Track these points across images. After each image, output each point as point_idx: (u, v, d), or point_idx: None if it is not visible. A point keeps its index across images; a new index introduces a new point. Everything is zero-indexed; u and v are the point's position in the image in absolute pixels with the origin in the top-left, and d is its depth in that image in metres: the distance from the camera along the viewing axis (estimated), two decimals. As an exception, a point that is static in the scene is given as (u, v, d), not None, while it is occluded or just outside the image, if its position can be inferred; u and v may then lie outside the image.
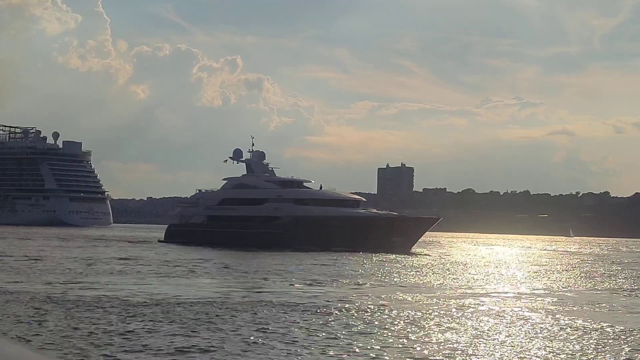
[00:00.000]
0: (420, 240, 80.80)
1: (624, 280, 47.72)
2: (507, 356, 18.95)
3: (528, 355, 19.11)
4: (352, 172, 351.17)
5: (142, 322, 22.34)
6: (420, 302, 29.79)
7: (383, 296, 31.80)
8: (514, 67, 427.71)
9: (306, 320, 23.72)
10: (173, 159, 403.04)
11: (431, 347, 19.59)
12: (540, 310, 28.31)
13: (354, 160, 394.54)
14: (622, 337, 22.13)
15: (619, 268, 62.89)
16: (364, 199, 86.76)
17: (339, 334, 21.12)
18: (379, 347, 19.29)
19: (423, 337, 21.18)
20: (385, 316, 25.20)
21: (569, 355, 19.13)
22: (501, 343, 20.72)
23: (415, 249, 78.67)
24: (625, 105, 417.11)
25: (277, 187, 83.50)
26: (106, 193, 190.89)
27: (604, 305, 31.41)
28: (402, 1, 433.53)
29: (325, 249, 70.96)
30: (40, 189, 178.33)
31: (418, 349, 19.37)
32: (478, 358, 18.58)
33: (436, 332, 21.98)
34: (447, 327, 22.94)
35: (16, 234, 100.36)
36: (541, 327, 23.63)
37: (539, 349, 19.96)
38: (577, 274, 52.69)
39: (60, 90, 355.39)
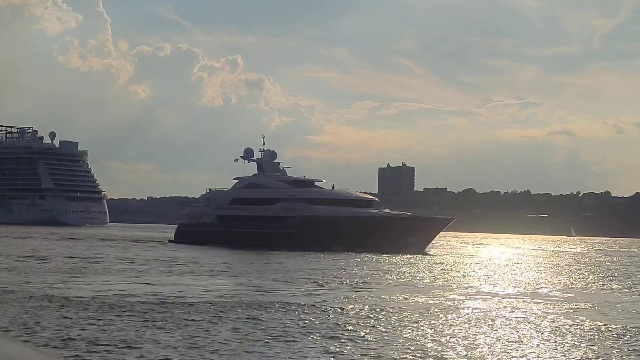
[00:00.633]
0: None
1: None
2: None
3: None
4: (353, 172, 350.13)
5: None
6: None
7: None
8: (514, 67, 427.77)
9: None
10: (173, 159, 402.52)
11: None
12: None
13: (355, 160, 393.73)
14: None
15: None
16: (377, 199, 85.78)
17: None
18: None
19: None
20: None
21: None
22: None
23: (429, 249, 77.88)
24: (625, 105, 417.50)
25: (289, 186, 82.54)
26: (103, 193, 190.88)
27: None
28: (402, 1, 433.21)
29: (339, 249, 70.03)
30: (37, 188, 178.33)
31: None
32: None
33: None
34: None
35: (26, 234, 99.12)
36: None
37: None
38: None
39: (61, 90, 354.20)
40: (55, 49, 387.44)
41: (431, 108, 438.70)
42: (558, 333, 22.37)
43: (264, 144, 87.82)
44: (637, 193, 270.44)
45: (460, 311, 27.03)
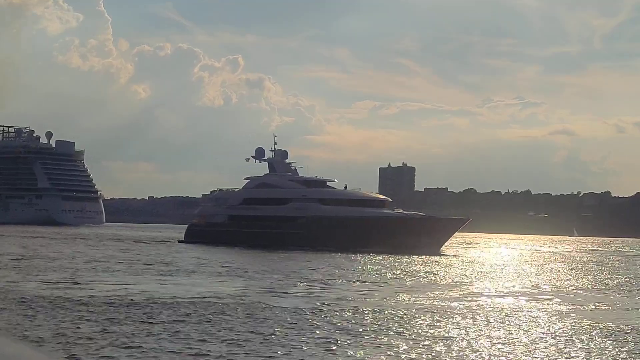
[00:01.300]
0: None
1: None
2: None
3: None
4: (353, 171, 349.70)
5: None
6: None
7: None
8: (514, 67, 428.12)
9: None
10: (174, 159, 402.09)
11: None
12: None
13: (355, 159, 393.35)
14: None
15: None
16: (390, 199, 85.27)
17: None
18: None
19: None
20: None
21: None
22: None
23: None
24: (625, 105, 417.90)
25: (301, 186, 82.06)
26: (99, 192, 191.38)
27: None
28: (402, 1, 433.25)
29: (352, 250, 69.53)
30: (33, 188, 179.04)
31: None
32: None
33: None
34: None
35: (35, 233, 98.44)
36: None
37: None
38: None
39: (61, 90, 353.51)
40: (55, 49, 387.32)
41: (431, 108, 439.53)
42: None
43: (275, 143, 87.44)
44: (637, 193, 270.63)
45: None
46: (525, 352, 19.18)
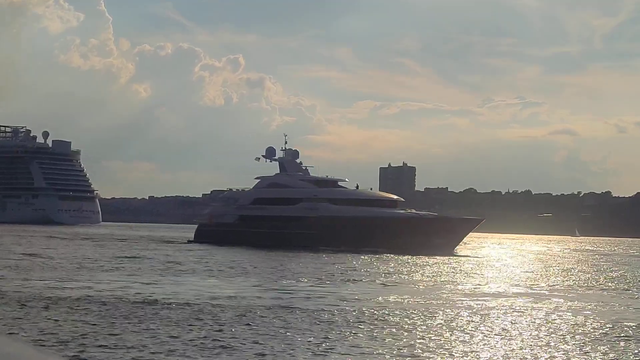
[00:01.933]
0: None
1: None
2: None
3: None
4: (354, 171, 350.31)
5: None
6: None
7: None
8: (514, 67, 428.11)
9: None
10: (174, 159, 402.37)
11: None
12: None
13: (356, 159, 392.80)
14: None
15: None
16: (402, 199, 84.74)
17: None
18: None
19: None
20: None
21: None
22: None
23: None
24: (626, 105, 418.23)
25: (312, 186, 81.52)
26: (95, 192, 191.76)
27: None
28: (402, 1, 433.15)
29: (366, 250, 68.97)
30: (30, 187, 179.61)
31: None
32: None
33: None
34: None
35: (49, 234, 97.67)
36: None
37: None
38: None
39: (62, 89, 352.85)
40: (56, 48, 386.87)
41: (432, 108, 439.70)
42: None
43: (285, 142, 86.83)
44: (638, 193, 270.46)
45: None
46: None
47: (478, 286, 38.23)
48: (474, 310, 27.05)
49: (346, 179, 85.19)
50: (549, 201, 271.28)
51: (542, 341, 20.69)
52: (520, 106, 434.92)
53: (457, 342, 20.08)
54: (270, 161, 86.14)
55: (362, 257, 61.54)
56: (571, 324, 24.06)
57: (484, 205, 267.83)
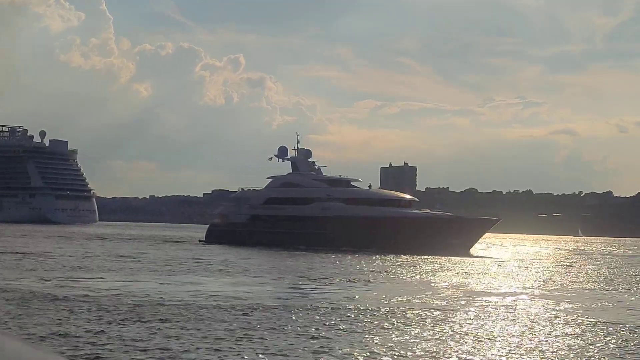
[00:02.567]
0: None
1: None
2: None
3: None
4: (354, 171, 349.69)
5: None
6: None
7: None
8: (515, 67, 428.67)
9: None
10: (175, 158, 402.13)
11: None
12: None
13: (356, 159, 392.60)
14: None
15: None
16: (416, 199, 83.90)
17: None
18: None
19: None
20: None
21: None
22: None
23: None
24: (627, 105, 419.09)
25: (326, 186, 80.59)
26: (92, 191, 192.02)
27: None
28: (403, 0, 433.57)
29: (381, 251, 68.09)
30: (27, 187, 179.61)
31: None
32: None
33: None
34: None
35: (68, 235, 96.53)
36: None
37: None
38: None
39: (63, 89, 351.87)
40: (57, 47, 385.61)
41: (433, 107, 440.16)
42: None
43: (298, 142, 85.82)
44: (639, 193, 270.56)
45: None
46: None
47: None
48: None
49: (359, 179, 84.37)
50: (549, 201, 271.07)
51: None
52: (521, 106, 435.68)
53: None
54: (283, 160, 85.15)
55: (392, 257, 60.71)
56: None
57: (485, 205, 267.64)
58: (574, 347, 19.52)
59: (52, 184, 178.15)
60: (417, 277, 42.61)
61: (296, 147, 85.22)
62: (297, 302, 27.57)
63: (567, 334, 21.65)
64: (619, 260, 79.63)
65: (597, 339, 21.02)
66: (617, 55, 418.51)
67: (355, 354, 17.53)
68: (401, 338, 19.93)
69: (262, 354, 17.24)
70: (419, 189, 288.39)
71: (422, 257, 63.38)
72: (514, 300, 31.00)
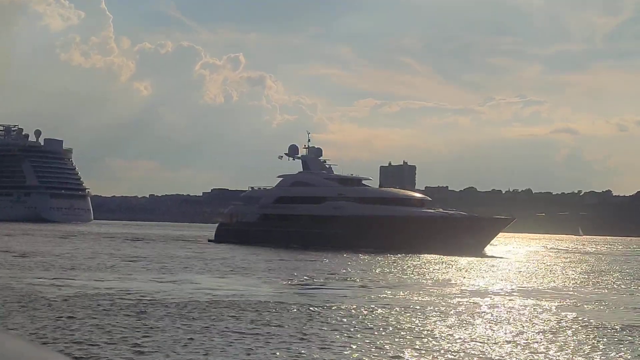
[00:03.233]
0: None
1: None
2: None
3: None
4: (355, 169, 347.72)
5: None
6: None
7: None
8: (516, 66, 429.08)
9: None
10: (175, 157, 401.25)
11: None
12: None
13: (357, 158, 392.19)
14: None
15: None
16: (429, 198, 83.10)
17: None
18: None
19: None
20: None
21: None
22: None
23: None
24: (628, 104, 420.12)
25: (337, 184, 79.72)
26: (87, 190, 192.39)
27: None
28: (403, 0, 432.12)
29: (394, 250, 67.19)
30: (22, 185, 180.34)
31: None
32: None
33: None
34: None
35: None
36: None
37: None
38: None
39: (63, 88, 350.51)
40: (57, 46, 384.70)
41: (433, 106, 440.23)
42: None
43: (309, 140, 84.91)
44: (638, 192, 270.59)
45: None
46: None
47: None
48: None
49: (370, 178, 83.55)
50: (549, 200, 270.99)
51: None
52: (522, 105, 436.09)
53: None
54: (293, 159, 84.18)
55: (413, 256, 59.86)
56: None
57: (485, 204, 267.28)
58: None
59: (47, 182, 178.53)
60: (466, 280, 41.77)
61: (307, 146, 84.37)
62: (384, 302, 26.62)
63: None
64: None
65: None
66: (617, 54, 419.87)
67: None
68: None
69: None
70: (418, 188, 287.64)
71: (446, 256, 62.47)
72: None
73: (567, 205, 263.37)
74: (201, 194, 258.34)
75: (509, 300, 30.50)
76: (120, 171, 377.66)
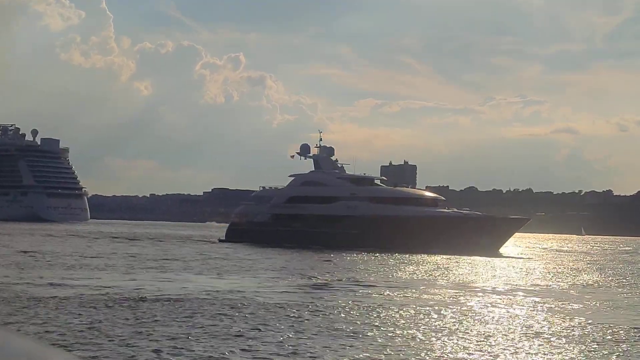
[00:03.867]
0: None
1: None
2: None
3: None
4: (355, 169, 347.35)
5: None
6: None
7: None
8: (516, 66, 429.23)
9: None
10: (175, 156, 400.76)
11: None
12: None
13: (357, 158, 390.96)
14: None
15: None
16: (443, 198, 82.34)
17: None
18: None
19: None
20: None
21: None
22: None
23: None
24: (628, 104, 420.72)
25: (350, 184, 78.87)
26: (83, 189, 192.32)
27: None
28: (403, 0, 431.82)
29: (409, 250, 66.34)
30: (18, 185, 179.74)
31: None
32: None
33: None
34: None
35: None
36: None
37: None
38: None
39: (63, 87, 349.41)
40: (57, 46, 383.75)
41: (434, 106, 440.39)
42: None
43: (320, 139, 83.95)
44: (639, 192, 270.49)
45: None
46: None
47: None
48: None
49: (383, 177, 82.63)
50: (550, 200, 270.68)
51: None
52: (522, 104, 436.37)
53: None
54: (305, 158, 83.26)
55: (428, 256, 59.05)
56: None
57: (485, 204, 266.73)
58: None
59: (44, 182, 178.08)
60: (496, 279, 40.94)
61: (318, 145, 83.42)
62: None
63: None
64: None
65: None
66: (617, 54, 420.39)
67: None
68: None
69: None
70: (419, 188, 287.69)
71: (462, 256, 61.66)
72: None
73: (567, 205, 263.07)
74: (201, 194, 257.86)
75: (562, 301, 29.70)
76: (121, 171, 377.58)
